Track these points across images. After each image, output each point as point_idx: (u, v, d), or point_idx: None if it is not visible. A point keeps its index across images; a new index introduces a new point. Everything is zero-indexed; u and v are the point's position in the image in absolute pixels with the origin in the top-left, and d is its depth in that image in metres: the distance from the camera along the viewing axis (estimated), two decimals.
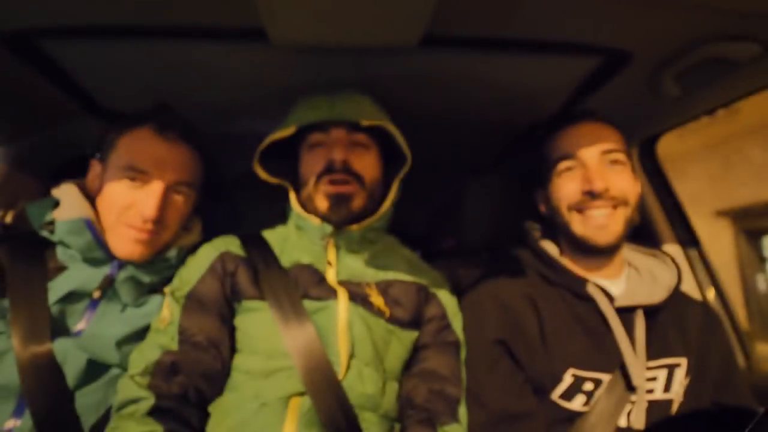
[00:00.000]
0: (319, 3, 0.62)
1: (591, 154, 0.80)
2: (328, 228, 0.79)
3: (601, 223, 0.78)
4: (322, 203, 0.80)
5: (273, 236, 0.86)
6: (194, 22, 0.70)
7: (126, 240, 0.76)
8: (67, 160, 1.10)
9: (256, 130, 1.06)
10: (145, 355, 0.69)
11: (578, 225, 0.80)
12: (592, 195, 0.77)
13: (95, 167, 0.82)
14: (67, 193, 0.79)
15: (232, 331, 0.76)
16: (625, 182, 0.79)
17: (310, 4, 0.62)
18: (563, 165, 0.82)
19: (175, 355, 0.68)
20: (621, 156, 0.80)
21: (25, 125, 0.99)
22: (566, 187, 0.81)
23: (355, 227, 0.80)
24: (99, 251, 0.76)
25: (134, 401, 0.63)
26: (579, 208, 0.80)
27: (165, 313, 0.74)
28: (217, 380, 0.71)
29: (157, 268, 0.81)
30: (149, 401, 0.63)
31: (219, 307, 0.75)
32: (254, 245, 0.83)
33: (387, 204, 0.82)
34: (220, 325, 0.74)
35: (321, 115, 0.78)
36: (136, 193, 0.76)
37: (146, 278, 0.79)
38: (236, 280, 0.77)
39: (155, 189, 0.76)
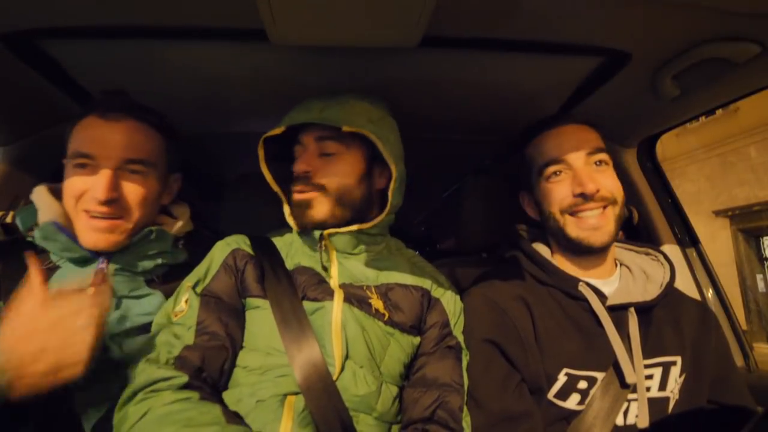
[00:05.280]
0: (319, 4, 0.62)
1: (578, 156, 0.80)
2: (317, 232, 0.81)
3: (595, 224, 0.79)
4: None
5: (280, 240, 0.88)
6: (195, 22, 0.70)
7: (88, 229, 0.75)
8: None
9: (257, 130, 1.06)
10: (162, 345, 0.69)
11: (572, 228, 0.81)
12: (584, 197, 0.78)
13: (64, 167, 0.81)
14: (38, 197, 0.79)
15: (244, 326, 0.77)
16: (611, 182, 0.81)
17: (310, 4, 0.62)
18: (551, 169, 0.82)
19: (190, 350, 0.69)
20: (605, 156, 0.82)
21: (25, 125, 0.99)
22: (557, 191, 0.82)
23: (343, 230, 0.80)
24: (80, 249, 0.76)
25: (165, 379, 0.63)
26: (572, 212, 0.81)
27: (182, 305, 0.75)
28: (228, 375, 0.72)
29: (142, 254, 0.80)
30: (182, 378, 0.64)
31: (233, 302, 0.77)
32: (262, 246, 0.84)
33: (382, 216, 0.83)
34: (235, 321, 0.75)
35: (309, 116, 0.79)
36: (88, 179, 0.75)
37: (137, 267, 0.79)
38: (244, 277, 0.79)
39: (104, 170, 0.74)
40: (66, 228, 0.76)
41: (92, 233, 0.75)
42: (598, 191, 0.78)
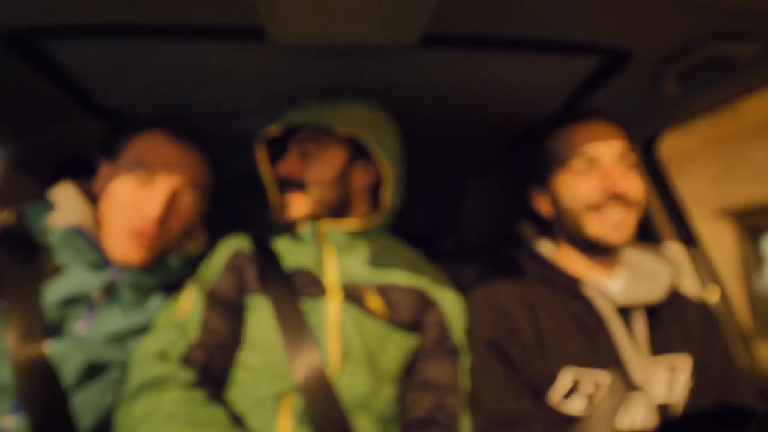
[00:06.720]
0: (319, 3, 0.61)
1: (611, 153, 0.79)
2: (310, 227, 0.82)
3: (618, 222, 0.77)
4: None
5: (279, 241, 0.88)
6: (194, 22, 0.70)
7: (125, 242, 0.74)
8: (67, 160, 1.10)
9: (256, 130, 1.06)
10: (168, 342, 0.69)
11: (593, 225, 0.79)
12: (615, 196, 0.76)
13: (104, 169, 0.81)
14: (63, 196, 0.78)
15: (245, 324, 0.78)
16: (639, 185, 0.80)
17: (310, 4, 0.61)
18: (581, 163, 0.80)
19: (196, 347, 0.70)
20: (635, 158, 0.80)
21: (25, 125, 0.99)
22: (584, 187, 0.80)
23: (338, 226, 0.82)
24: (96, 255, 0.75)
25: (172, 376, 0.64)
26: (597, 208, 0.79)
27: (187, 303, 0.75)
28: (231, 372, 0.73)
29: (159, 275, 0.80)
30: (190, 376, 0.64)
31: (236, 301, 0.78)
32: (262, 246, 0.85)
33: (377, 218, 0.83)
34: (238, 319, 0.76)
35: (305, 118, 0.81)
36: (143, 191, 0.75)
37: (148, 284, 0.79)
38: (244, 276, 0.80)
39: (162, 188, 0.76)
40: (87, 237, 0.74)
41: (129, 247, 0.74)
42: (628, 192, 0.76)
